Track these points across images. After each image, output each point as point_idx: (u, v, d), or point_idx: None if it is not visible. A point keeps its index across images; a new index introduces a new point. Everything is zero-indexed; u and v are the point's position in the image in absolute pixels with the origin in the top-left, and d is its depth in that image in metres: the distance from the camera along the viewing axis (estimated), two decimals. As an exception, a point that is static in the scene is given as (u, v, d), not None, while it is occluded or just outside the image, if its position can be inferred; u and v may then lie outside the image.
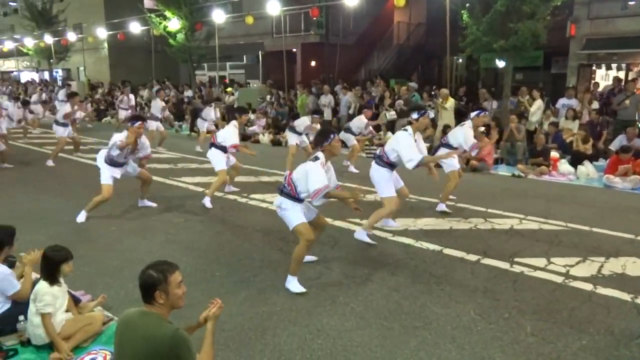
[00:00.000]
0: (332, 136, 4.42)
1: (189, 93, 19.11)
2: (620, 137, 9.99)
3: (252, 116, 16.10)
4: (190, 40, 19.06)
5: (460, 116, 12.64)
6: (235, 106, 14.88)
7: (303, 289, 4.35)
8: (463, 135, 6.88)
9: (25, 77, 35.64)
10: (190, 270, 4.74)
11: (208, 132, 12.12)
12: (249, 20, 16.75)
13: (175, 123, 16.78)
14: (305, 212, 4.44)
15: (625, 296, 4.31)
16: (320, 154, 4.38)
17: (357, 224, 6.08)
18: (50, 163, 10.38)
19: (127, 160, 6.61)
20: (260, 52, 22.28)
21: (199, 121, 13.10)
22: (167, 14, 18.64)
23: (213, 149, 7.43)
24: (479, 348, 3.52)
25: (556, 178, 9.50)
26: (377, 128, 11.83)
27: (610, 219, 6.66)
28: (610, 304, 4.17)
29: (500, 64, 13.86)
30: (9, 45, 30.14)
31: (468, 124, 7.02)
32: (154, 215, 6.57)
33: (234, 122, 7.57)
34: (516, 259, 5.16)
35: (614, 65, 15.42)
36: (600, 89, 13.42)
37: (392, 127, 12.20)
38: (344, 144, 9.30)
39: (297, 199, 4.35)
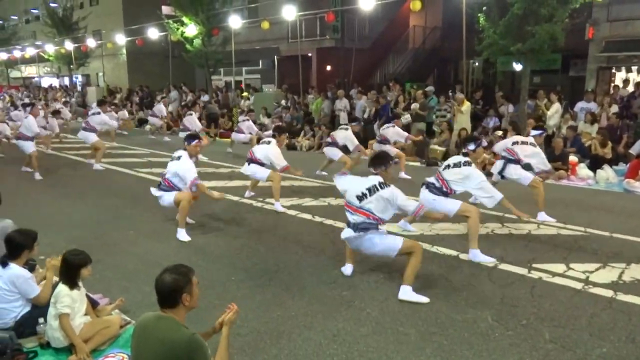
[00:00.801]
0: (391, 162, 4.63)
1: (205, 98, 19.30)
2: (640, 140, 9.81)
3: (266, 121, 16.19)
4: (207, 45, 19.32)
5: (476, 120, 12.56)
6: (249, 108, 15.08)
7: (426, 299, 4.30)
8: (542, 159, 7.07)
9: (46, 82, 36.35)
10: (206, 274, 4.76)
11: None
12: (265, 25, 16.87)
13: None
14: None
15: (647, 303, 4.22)
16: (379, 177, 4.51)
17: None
18: (97, 167, 10.53)
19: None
20: (275, 56, 22.39)
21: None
22: (185, 20, 18.95)
23: (253, 165, 7.21)
24: (497, 355, 3.48)
25: (575, 182, 9.35)
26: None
27: (631, 224, 6.53)
28: (632, 311, 4.08)
29: (518, 67, 13.72)
30: (30, 51, 30.81)
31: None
32: (170, 220, 6.62)
33: (274, 142, 7.23)
34: (534, 265, 5.09)
35: (634, 68, 15.16)
36: (620, 93, 13.19)
37: (407, 131, 12.14)
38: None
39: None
